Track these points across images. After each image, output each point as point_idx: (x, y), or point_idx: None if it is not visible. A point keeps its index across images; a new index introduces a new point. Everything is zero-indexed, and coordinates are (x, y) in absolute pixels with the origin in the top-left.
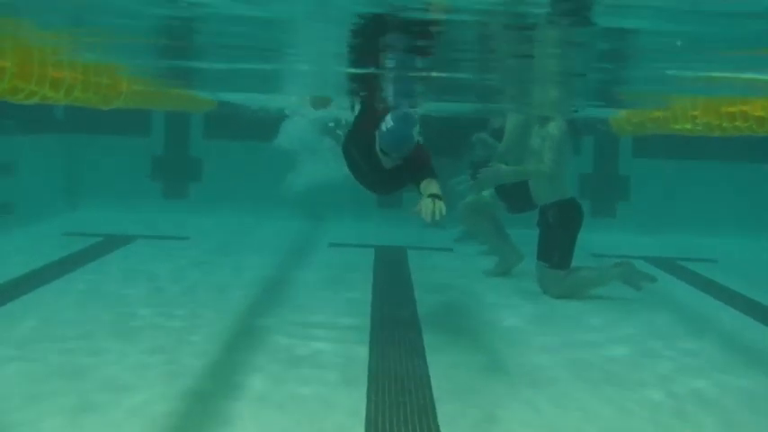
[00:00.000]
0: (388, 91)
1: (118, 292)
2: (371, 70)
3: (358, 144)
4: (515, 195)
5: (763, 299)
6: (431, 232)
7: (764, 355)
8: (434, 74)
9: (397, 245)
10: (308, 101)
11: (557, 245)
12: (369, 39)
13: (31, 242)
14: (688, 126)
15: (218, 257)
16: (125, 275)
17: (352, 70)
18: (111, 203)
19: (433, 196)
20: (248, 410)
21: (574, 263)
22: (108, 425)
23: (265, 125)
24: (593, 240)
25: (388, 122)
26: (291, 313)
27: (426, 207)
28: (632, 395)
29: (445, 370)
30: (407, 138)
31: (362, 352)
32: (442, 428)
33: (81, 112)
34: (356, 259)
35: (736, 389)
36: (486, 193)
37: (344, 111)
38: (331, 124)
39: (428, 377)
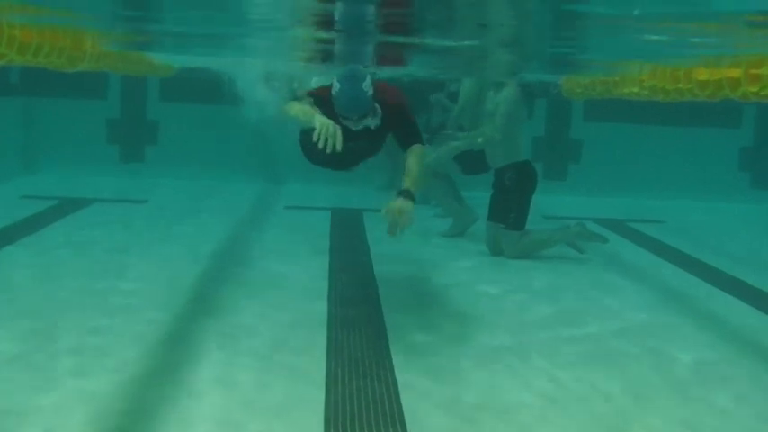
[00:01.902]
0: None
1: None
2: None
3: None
4: (470, 157)
5: (701, 256)
6: (387, 195)
7: (693, 298)
8: (390, 38)
9: (354, 207)
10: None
11: (513, 206)
12: None
13: None
14: (635, 89)
15: (175, 220)
16: (81, 239)
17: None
18: (69, 167)
19: (406, 196)
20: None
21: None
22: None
23: (222, 88)
24: (545, 202)
25: (335, 86)
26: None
27: (392, 217)
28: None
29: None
30: (359, 96)
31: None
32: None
33: (37, 75)
34: (312, 221)
35: (662, 323)
36: (439, 155)
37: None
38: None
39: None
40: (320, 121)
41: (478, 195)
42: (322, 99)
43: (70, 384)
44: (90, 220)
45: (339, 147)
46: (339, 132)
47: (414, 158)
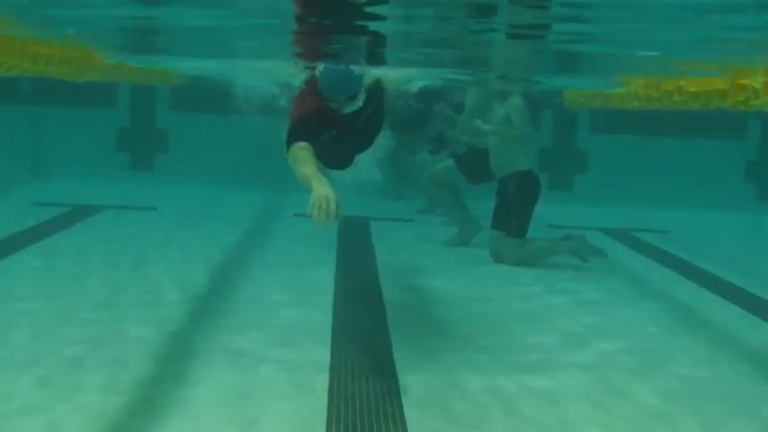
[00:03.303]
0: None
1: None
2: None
3: (307, 116)
4: (475, 166)
5: (704, 265)
6: (394, 204)
7: (691, 307)
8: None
9: (361, 215)
10: None
11: (515, 215)
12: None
13: (1, 212)
14: (635, 103)
15: (184, 227)
16: (96, 243)
17: None
18: (79, 175)
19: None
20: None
21: (529, 234)
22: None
23: (230, 97)
24: (550, 212)
25: (320, 69)
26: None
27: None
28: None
29: (408, 338)
30: (346, 73)
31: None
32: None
33: (48, 84)
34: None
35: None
36: (446, 164)
37: None
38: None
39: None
40: (316, 192)
41: (483, 206)
42: (308, 92)
43: None
44: (100, 226)
45: (337, 219)
46: (335, 204)
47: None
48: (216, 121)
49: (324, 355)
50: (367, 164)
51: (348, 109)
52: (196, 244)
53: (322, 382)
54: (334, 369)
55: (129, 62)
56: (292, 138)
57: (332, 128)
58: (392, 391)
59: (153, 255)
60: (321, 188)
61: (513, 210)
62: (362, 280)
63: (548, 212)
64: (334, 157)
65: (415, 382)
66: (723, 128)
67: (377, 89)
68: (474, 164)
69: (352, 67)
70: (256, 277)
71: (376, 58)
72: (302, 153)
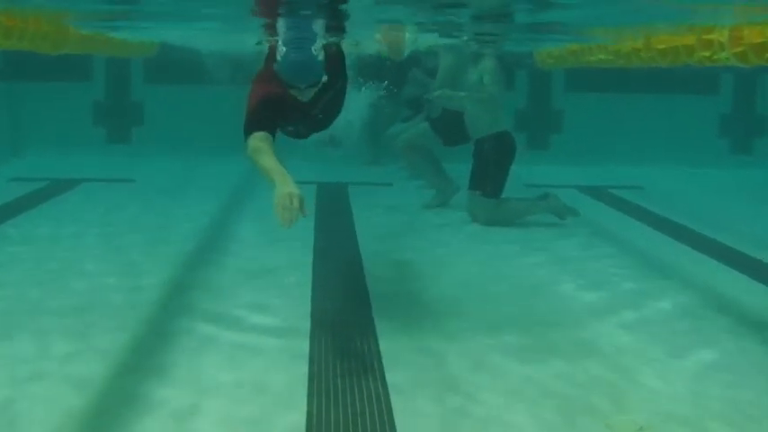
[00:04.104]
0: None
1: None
2: None
3: (265, 103)
4: (450, 129)
5: (676, 217)
6: (371, 169)
7: (660, 253)
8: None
9: (339, 180)
10: None
11: (490, 175)
12: None
13: None
14: (602, 56)
15: (163, 198)
16: (72, 217)
17: None
18: (55, 150)
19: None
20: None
21: (506, 193)
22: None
23: (205, 68)
24: (527, 172)
25: (281, 51)
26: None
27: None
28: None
29: (386, 299)
30: (307, 62)
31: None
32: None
33: (21, 59)
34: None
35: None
36: (421, 128)
37: None
38: None
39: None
40: (279, 190)
41: (460, 168)
42: (268, 74)
43: None
44: (79, 199)
45: (303, 215)
46: (299, 201)
47: None
48: (191, 92)
49: (304, 316)
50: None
51: (308, 96)
52: (175, 213)
53: (302, 344)
54: (315, 330)
55: (100, 33)
56: (250, 127)
57: (291, 114)
58: (372, 351)
59: (133, 225)
60: (284, 186)
61: (489, 170)
62: (341, 244)
63: (524, 172)
64: (293, 135)
65: (392, 347)
66: (696, 83)
67: (339, 67)
68: (449, 126)
69: (314, 49)
70: (236, 244)
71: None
72: (261, 144)
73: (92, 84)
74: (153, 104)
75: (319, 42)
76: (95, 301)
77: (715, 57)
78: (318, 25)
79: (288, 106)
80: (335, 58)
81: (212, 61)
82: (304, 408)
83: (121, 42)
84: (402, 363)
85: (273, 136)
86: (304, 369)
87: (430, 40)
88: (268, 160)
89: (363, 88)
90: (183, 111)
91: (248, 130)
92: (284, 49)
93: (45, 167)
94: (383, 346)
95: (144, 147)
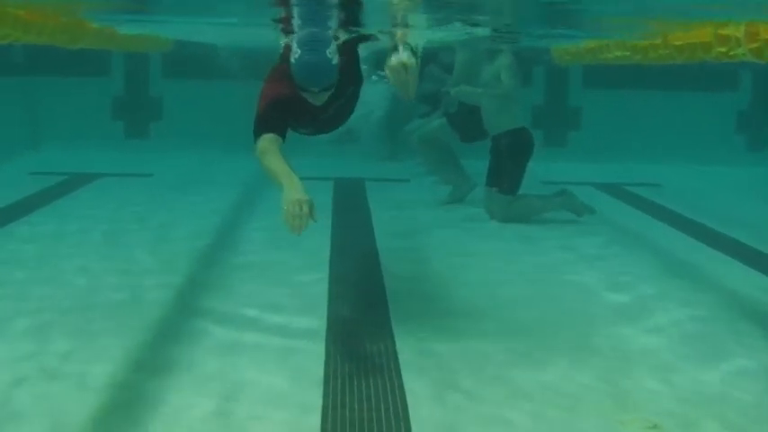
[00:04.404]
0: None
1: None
2: None
3: (276, 104)
4: (467, 124)
5: (693, 215)
6: (388, 165)
7: (678, 251)
8: None
9: (356, 177)
10: None
11: (507, 172)
12: None
13: None
14: (618, 53)
15: (180, 192)
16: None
17: None
18: (74, 144)
19: (406, 48)
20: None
21: (523, 190)
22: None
23: (223, 63)
24: (544, 169)
25: (295, 52)
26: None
27: (396, 75)
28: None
29: (403, 296)
30: (322, 63)
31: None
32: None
33: (41, 54)
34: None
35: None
36: (438, 123)
37: None
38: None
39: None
40: (287, 196)
41: (478, 164)
42: (281, 74)
43: None
44: (98, 193)
45: (314, 221)
46: (308, 207)
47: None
48: (209, 87)
49: (320, 314)
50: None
51: (322, 100)
52: (192, 208)
53: (318, 343)
54: (331, 329)
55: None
56: (259, 129)
57: (301, 117)
58: (389, 350)
59: (151, 219)
60: (293, 192)
61: (506, 167)
62: (358, 241)
63: (542, 169)
64: (302, 134)
65: (410, 346)
66: (714, 80)
67: (353, 71)
68: (466, 122)
69: (328, 52)
70: (250, 240)
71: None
72: (270, 147)
73: (110, 79)
74: (171, 99)
75: (334, 45)
76: (97, 300)
77: (732, 53)
78: (333, 18)
79: (298, 109)
80: (350, 62)
81: (230, 56)
82: (319, 407)
83: (136, 37)
84: (416, 363)
85: (283, 138)
86: (319, 371)
87: (447, 35)
88: (276, 163)
89: (378, 80)
90: (201, 106)
91: (257, 132)
92: (298, 51)
93: (63, 162)
94: (399, 345)
95: (162, 142)
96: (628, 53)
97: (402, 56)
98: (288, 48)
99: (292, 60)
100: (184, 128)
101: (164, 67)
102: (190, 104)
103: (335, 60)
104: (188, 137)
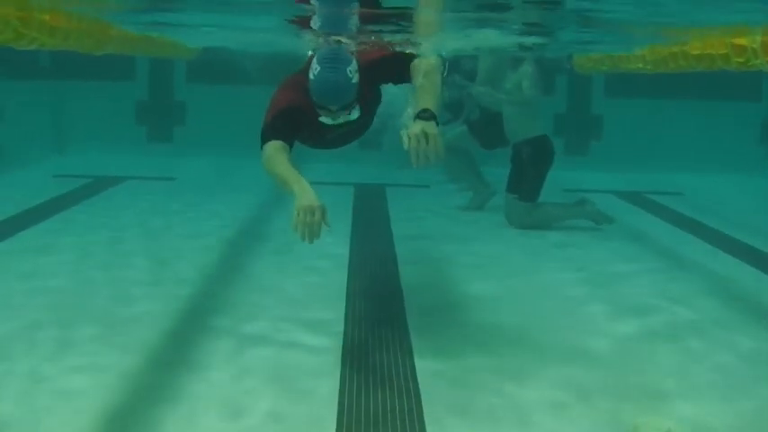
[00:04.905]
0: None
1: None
2: None
3: (287, 114)
4: (488, 131)
5: (718, 226)
6: (408, 172)
7: (699, 258)
8: None
9: (377, 182)
10: None
11: (527, 179)
12: None
13: (24, 184)
14: (639, 65)
15: (202, 196)
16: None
17: None
18: (98, 148)
19: (425, 118)
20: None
21: (543, 198)
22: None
23: (246, 69)
24: (566, 178)
25: (314, 68)
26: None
27: (415, 148)
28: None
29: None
30: (341, 81)
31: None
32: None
33: (67, 59)
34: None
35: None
36: (459, 131)
37: None
38: None
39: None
40: (298, 202)
41: (499, 172)
42: (297, 84)
43: None
44: (122, 196)
45: (327, 227)
46: (320, 214)
47: (421, 71)
48: (233, 92)
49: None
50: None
51: (337, 120)
52: (214, 211)
53: (336, 341)
54: (348, 331)
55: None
56: (266, 135)
57: (309, 133)
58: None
59: (174, 221)
60: (303, 197)
61: (527, 174)
62: (377, 245)
63: (563, 177)
64: (321, 146)
65: (429, 349)
66: (738, 89)
67: (377, 62)
68: (487, 129)
69: (349, 71)
70: (270, 243)
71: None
72: (277, 153)
73: (135, 83)
74: (195, 104)
75: (355, 64)
76: (122, 298)
77: (750, 63)
78: (353, 21)
79: (308, 122)
80: (370, 91)
81: (254, 62)
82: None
83: (164, 43)
84: (435, 377)
85: (291, 146)
86: (335, 382)
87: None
88: (284, 170)
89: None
90: (224, 111)
91: (264, 139)
92: (318, 67)
93: (88, 165)
94: (418, 363)
95: (185, 146)
96: (648, 66)
97: (427, 126)
98: (311, 59)
99: (311, 77)
100: (208, 132)
101: (188, 72)
102: (213, 109)
103: (355, 80)
104: (211, 141)
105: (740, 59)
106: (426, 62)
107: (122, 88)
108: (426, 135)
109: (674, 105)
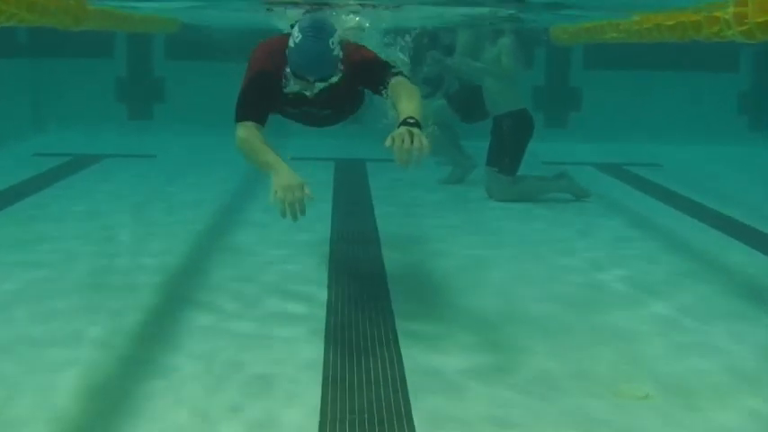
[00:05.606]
0: None
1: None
2: None
3: (262, 83)
4: (468, 105)
5: (695, 195)
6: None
7: (678, 229)
8: None
9: (357, 158)
10: None
11: (507, 152)
12: None
13: (3, 163)
14: (614, 34)
15: (183, 173)
16: (99, 189)
17: None
18: (78, 126)
19: (410, 124)
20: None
21: (523, 171)
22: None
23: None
24: (545, 150)
25: (296, 36)
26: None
27: (399, 147)
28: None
29: (401, 270)
30: (322, 52)
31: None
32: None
33: (44, 36)
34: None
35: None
36: (438, 104)
37: None
38: None
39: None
40: (276, 184)
41: (479, 145)
42: (274, 52)
43: None
44: (103, 173)
45: (303, 213)
46: (300, 191)
47: (404, 89)
48: (212, 68)
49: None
50: None
51: (313, 91)
52: (195, 185)
53: (320, 313)
54: (331, 303)
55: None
56: (241, 110)
57: (286, 105)
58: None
59: (155, 197)
60: (283, 177)
61: (507, 147)
62: (359, 219)
63: (543, 149)
64: (303, 123)
65: (411, 327)
66: (715, 60)
67: (364, 62)
68: (466, 102)
69: (331, 42)
70: (251, 223)
71: None
72: (250, 134)
73: (114, 60)
74: (174, 81)
75: (337, 36)
76: (104, 280)
77: (722, 33)
78: None
79: (281, 93)
80: (358, 64)
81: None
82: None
83: (143, 18)
84: (418, 342)
85: (264, 121)
86: (319, 357)
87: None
88: (260, 151)
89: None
90: (204, 87)
91: (238, 114)
92: (299, 35)
93: (68, 143)
94: (399, 325)
95: (165, 123)
96: (623, 35)
97: (411, 129)
98: (288, 36)
99: (291, 44)
100: (187, 109)
101: (167, 49)
102: (193, 86)
103: (337, 52)
104: (191, 118)
105: (713, 30)
106: (409, 85)
107: (102, 65)
108: (411, 134)
109: (652, 77)
